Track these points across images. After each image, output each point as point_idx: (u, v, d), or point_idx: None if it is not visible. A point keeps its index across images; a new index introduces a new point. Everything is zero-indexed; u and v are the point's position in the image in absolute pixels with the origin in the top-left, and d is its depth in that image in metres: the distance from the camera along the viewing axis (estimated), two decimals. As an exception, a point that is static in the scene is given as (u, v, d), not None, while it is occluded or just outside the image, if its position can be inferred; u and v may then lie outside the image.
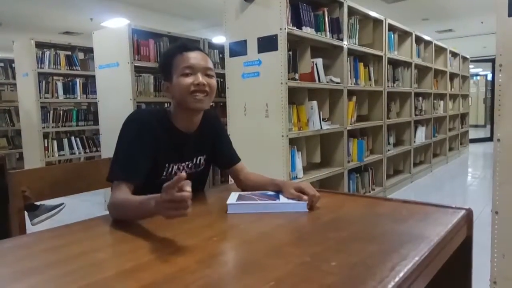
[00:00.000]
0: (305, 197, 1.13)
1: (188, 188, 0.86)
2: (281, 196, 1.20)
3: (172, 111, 1.29)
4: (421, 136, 5.42)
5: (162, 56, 1.34)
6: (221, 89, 4.54)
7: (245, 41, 2.91)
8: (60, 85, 4.87)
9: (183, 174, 0.85)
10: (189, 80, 1.20)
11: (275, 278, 0.69)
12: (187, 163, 1.31)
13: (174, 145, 1.27)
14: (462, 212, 1.02)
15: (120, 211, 1.07)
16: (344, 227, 1.00)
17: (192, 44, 1.28)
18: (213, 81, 1.26)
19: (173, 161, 1.28)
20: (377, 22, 4.12)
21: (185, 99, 1.21)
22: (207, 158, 1.39)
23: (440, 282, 0.93)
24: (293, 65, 2.91)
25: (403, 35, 4.88)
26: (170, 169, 1.27)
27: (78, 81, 5.05)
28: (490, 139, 8.74)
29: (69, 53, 5.08)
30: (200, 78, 1.21)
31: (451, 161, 6.64)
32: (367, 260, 0.76)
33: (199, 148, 1.35)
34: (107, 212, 1.14)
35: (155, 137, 1.21)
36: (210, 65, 1.26)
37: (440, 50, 6.27)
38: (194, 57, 1.22)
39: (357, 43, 3.73)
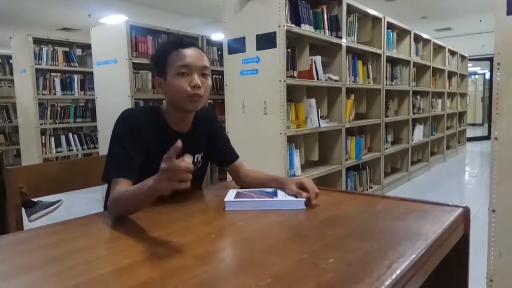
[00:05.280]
0: (304, 193, 1.13)
1: (187, 159, 0.84)
2: (279, 194, 1.20)
3: (165, 108, 1.27)
4: (419, 134, 5.42)
5: (156, 50, 1.30)
6: (220, 87, 4.54)
7: (244, 38, 2.90)
8: (57, 82, 4.86)
9: (179, 142, 0.83)
10: (185, 82, 1.17)
11: (273, 274, 0.69)
12: None
13: (168, 143, 1.24)
14: (459, 210, 1.03)
15: (120, 204, 1.04)
16: (341, 225, 1.00)
17: (188, 40, 1.24)
18: (208, 82, 1.23)
19: None
20: (376, 20, 4.11)
21: (180, 100, 1.20)
22: (205, 155, 1.39)
23: (437, 279, 0.93)
24: (291, 63, 2.91)
25: (402, 33, 4.88)
26: None
27: (76, 77, 5.04)
28: (487, 137, 8.76)
29: (67, 49, 5.06)
30: (196, 79, 1.18)
31: (448, 159, 6.65)
32: (364, 257, 0.77)
33: (195, 146, 1.33)
34: (104, 209, 1.14)
35: (147, 134, 1.19)
36: (207, 63, 1.22)
37: (438, 49, 6.28)
38: (190, 55, 1.19)
39: (355, 41, 3.72)
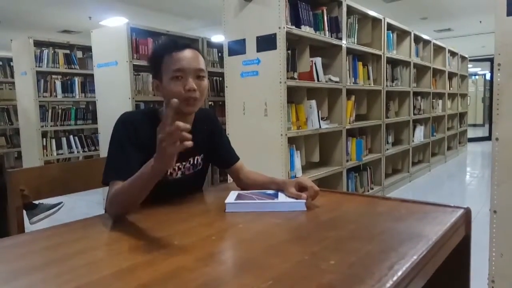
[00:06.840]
0: (303, 195, 1.13)
1: (181, 123, 0.86)
2: (279, 195, 1.19)
3: (164, 110, 1.27)
4: (419, 135, 5.42)
5: (151, 54, 1.29)
6: (220, 88, 4.54)
7: (244, 40, 2.90)
8: (58, 84, 4.87)
9: (175, 100, 0.87)
10: (180, 85, 1.17)
11: (274, 276, 0.69)
12: (183, 163, 1.29)
13: None
14: (461, 211, 1.02)
15: (120, 197, 1.04)
16: (342, 226, 1.00)
17: (182, 42, 1.23)
18: (204, 83, 1.22)
19: None
20: (376, 21, 4.12)
21: None
22: (205, 157, 1.38)
23: (438, 281, 0.93)
24: (292, 64, 2.91)
25: (402, 34, 4.88)
26: None
27: (77, 79, 5.04)
28: (488, 138, 8.76)
29: (68, 51, 5.07)
30: (191, 82, 1.17)
31: (449, 160, 6.64)
32: (365, 258, 0.76)
33: (195, 148, 1.33)
34: (105, 211, 1.14)
35: (145, 137, 1.18)
36: (202, 65, 1.21)
37: (438, 50, 6.28)
38: (184, 58, 1.18)
39: (356, 42, 3.73)
